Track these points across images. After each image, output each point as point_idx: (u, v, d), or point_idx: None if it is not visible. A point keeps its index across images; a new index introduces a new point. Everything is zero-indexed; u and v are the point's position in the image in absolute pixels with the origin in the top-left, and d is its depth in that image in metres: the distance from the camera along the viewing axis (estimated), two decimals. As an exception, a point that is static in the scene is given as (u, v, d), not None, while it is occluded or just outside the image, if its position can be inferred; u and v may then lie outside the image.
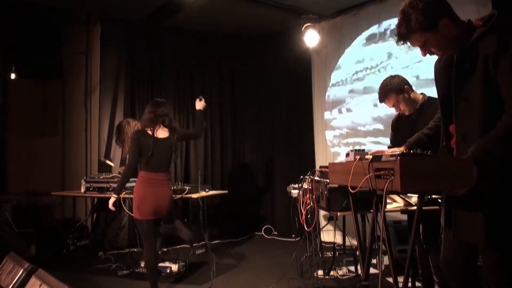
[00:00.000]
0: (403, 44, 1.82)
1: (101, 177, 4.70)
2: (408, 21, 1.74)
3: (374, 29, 5.36)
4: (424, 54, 1.84)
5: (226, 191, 5.85)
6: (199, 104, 3.94)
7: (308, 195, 3.15)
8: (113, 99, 5.82)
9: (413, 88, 3.13)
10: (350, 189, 2.03)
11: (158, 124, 3.54)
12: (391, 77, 3.10)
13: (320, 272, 4.04)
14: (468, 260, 1.87)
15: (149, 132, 3.51)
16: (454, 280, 1.91)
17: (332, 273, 4.08)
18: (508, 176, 1.65)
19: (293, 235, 5.89)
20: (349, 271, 4.20)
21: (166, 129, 3.57)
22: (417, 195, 2.35)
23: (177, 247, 5.16)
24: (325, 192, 2.79)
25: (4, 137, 5.97)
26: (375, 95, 3.28)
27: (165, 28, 6.17)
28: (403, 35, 1.79)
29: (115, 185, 4.48)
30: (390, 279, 2.60)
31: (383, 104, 3.17)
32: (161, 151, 3.51)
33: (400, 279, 2.23)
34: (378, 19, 5.30)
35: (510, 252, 1.66)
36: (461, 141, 1.76)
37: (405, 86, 3.03)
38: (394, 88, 3.02)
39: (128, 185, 4.55)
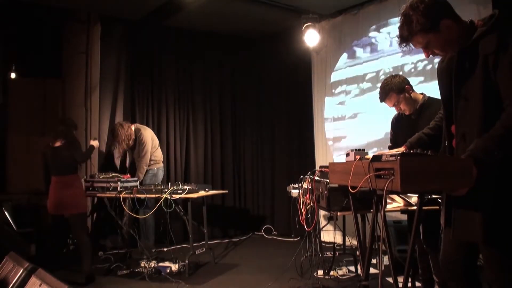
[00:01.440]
0: (405, 46, 1.83)
1: (101, 177, 4.71)
2: (410, 23, 1.75)
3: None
4: (427, 55, 1.85)
5: (226, 191, 5.86)
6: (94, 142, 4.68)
7: (308, 195, 3.15)
8: (113, 99, 5.82)
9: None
10: (350, 189, 2.03)
11: (56, 139, 4.21)
12: (392, 76, 3.11)
13: (320, 272, 4.03)
14: (467, 260, 1.87)
15: (50, 145, 4.22)
16: (454, 280, 1.91)
17: (332, 273, 4.08)
18: (507, 175, 1.65)
19: (293, 235, 5.89)
20: (349, 271, 4.20)
21: (61, 140, 4.21)
22: (417, 195, 2.35)
23: (177, 247, 5.16)
24: (325, 192, 2.78)
25: (4, 137, 5.96)
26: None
27: (165, 28, 6.16)
28: (405, 37, 1.79)
29: (115, 184, 4.52)
30: (390, 279, 2.60)
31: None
32: (59, 158, 4.15)
33: (400, 279, 2.23)
34: (378, 19, 5.30)
35: (509, 251, 1.66)
36: (460, 140, 1.77)
37: (406, 86, 3.04)
38: (394, 88, 3.02)
39: (128, 185, 4.58)
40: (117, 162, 5.54)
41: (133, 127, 5.24)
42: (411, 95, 3.05)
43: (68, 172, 4.20)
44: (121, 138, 5.12)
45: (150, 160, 5.28)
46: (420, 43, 1.79)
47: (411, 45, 1.82)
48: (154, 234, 5.24)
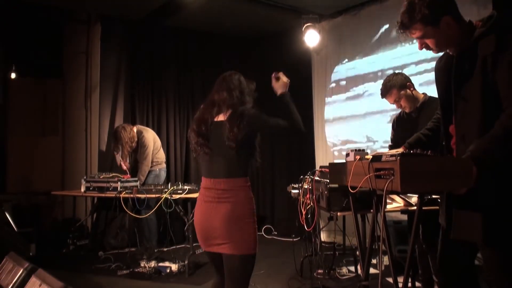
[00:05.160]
0: (402, 32, 1.82)
1: (101, 177, 4.70)
2: (412, 11, 1.74)
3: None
4: (421, 48, 1.84)
5: (226, 191, 5.84)
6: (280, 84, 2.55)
7: (308, 195, 3.15)
8: (113, 99, 5.82)
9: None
10: (350, 189, 2.03)
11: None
12: (394, 74, 3.14)
13: (320, 272, 4.03)
14: (466, 260, 1.87)
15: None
16: (452, 280, 1.91)
17: (332, 273, 4.08)
18: (507, 175, 1.65)
19: (293, 235, 5.88)
20: (349, 271, 4.19)
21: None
22: (417, 195, 2.35)
23: (177, 247, 5.16)
24: (325, 192, 2.78)
25: (4, 137, 5.97)
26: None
27: (166, 28, 6.16)
28: (404, 24, 1.79)
29: (115, 184, 4.49)
30: (390, 279, 2.60)
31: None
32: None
33: (400, 279, 2.23)
34: (379, 20, 5.30)
35: (509, 251, 1.66)
36: (460, 141, 1.76)
37: (407, 83, 3.06)
38: (396, 84, 3.05)
39: (128, 185, 4.57)
40: (124, 165, 5.40)
41: (135, 129, 5.20)
42: (413, 92, 3.07)
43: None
44: (124, 141, 5.02)
45: (152, 161, 5.25)
46: (417, 32, 1.78)
47: (408, 34, 1.82)
48: (157, 235, 5.22)
